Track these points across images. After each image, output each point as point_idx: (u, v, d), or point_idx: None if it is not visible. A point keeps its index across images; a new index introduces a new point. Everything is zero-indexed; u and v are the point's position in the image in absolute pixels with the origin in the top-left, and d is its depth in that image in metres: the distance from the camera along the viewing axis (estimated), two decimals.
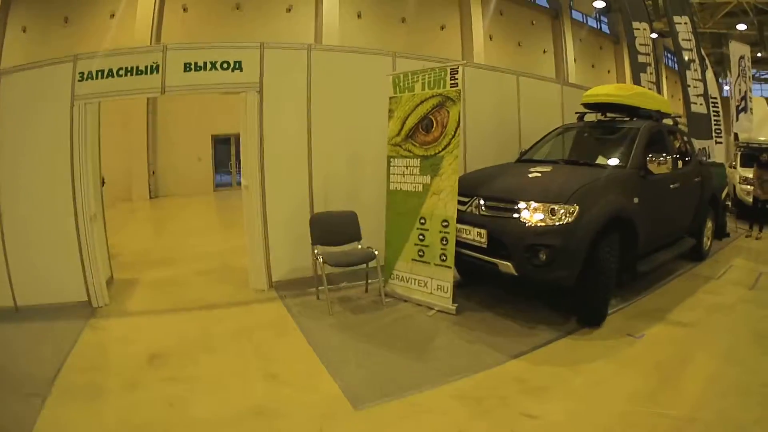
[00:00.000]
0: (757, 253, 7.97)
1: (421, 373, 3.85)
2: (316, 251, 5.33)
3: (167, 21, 16.85)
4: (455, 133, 5.18)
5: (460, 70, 5.22)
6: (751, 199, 9.42)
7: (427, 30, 20.90)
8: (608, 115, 6.69)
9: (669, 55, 31.10)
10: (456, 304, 5.08)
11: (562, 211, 4.43)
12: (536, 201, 4.56)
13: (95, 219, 5.51)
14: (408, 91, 5.62)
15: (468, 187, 5.21)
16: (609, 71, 30.66)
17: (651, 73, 8.79)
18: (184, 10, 17.16)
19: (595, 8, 23.99)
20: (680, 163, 6.44)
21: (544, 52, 25.55)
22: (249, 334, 4.67)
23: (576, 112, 6.89)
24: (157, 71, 5.51)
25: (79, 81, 5.41)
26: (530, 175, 5.32)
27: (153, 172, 16.80)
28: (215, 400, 3.48)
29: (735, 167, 11.17)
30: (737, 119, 10.85)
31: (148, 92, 5.68)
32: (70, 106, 5.38)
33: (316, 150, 5.94)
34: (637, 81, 8.85)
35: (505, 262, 4.68)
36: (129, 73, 5.48)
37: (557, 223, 4.43)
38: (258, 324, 4.92)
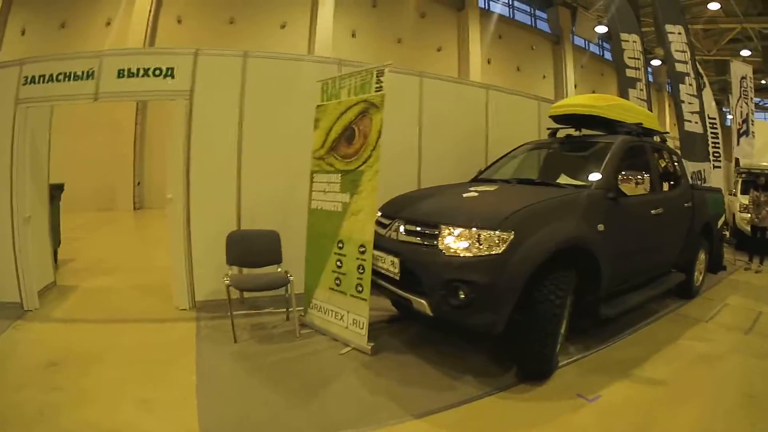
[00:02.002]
0: (757, 289, 6.05)
1: (295, 422, 2.79)
2: (228, 273, 4.05)
3: (161, 31, 15.34)
4: (376, 144, 3.72)
5: (386, 72, 3.77)
6: (749, 228, 7.52)
7: (423, 51, 18.57)
8: (584, 131, 5.06)
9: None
10: (372, 344, 3.63)
11: (491, 239, 2.97)
12: (461, 226, 3.11)
13: (28, 222, 4.65)
14: (335, 98, 4.22)
15: (392, 208, 3.82)
16: None
17: (641, 90, 7.03)
18: (179, 21, 15.53)
19: (597, 34, 21.38)
20: (666, 185, 4.81)
21: (544, 77, 22.58)
22: (148, 352, 3.78)
23: (548, 128, 5.20)
24: (92, 77, 4.62)
25: (23, 85, 4.65)
26: (465, 195, 3.80)
27: (138, 183, 14.74)
28: (82, 416, 2.85)
29: (735, 194, 9.12)
30: (738, 143, 8.75)
31: (83, 98, 4.66)
32: (14, 109, 4.61)
33: (246, 164, 4.68)
34: (624, 97, 6.88)
35: (419, 299, 3.23)
36: (68, 79, 4.65)
37: (484, 254, 2.96)
38: (161, 343, 3.95)
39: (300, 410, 2.93)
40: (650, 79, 22.69)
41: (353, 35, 17.29)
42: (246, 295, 4.69)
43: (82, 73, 4.62)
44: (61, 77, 4.63)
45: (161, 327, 4.33)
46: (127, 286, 5.46)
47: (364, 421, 2.80)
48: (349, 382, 3.28)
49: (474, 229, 3.05)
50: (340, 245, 3.93)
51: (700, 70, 7.57)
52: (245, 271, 4.51)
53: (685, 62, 6.60)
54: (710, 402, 3.08)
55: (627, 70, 7.05)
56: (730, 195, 9.06)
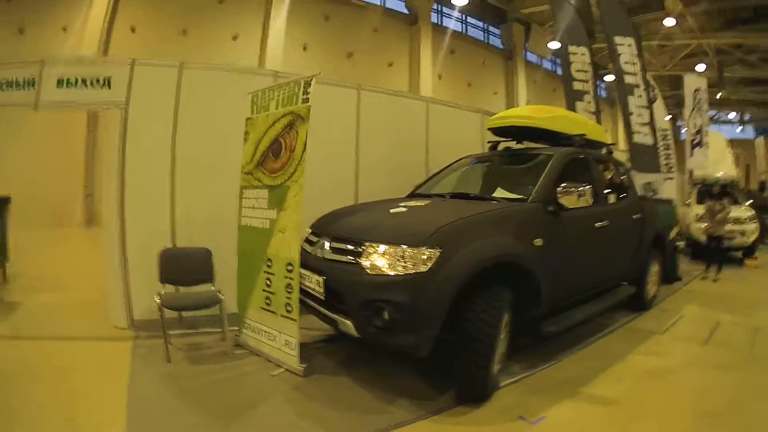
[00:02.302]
0: (714, 299, 5.85)
1: None
2: (161, 292, 3.75)
3: (115, 39, 14.67)
4: (301, 158, 3.47)
5: (312, 83, 3.52)
6: (705, 237, 7.38)
7: (374, 66, 18.10)
8: (527, 143, 4.87)
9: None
10: (305, 365, 3.35)
11: (415, 256, 2.73)
12: (385, 243, 2.86)
13: None
14: (263, 111, 3.95)
15: (320, 224, 3.59)
16: None
17: (589, 102, 6.82)
18: (132, 30, 14.89)
19: (551, 50, 20.51)
20: (612, 197, 4.59)
21: (495, 93, 22.17)
22: (81, 371, 3.52)
23: (488, 141, 4.97)
24: (33, 86, 4.36)
25: None
26: (393, 211, 3.52)
27: (89, 195, 13.47)
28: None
29: (690, 204, 9.00)
30: (692, 154, 8.56)
31: (23, 107, 4.41)
32: None
33: (180, 178, 4.36)
34: (572, 110, 6.62)
35: (344, 320, 2.96)
36: (9, 87, 4.38)
37: (407, 273, 2.71)
38: (95, 362, 3.69)
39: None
40: (603, 93, 22.90)
41: (305, 48, 16.88)
42: (185, 314, 4.28)
43: (23, 81, 4.38)
44: (3, 86, 4.37)
45: (97, 345, 4.05)
46: (70, 303, 5.12)
47: None
48: (277, 405, 3.01)
49: (397, 246, 2.81)
50: (269, 264, 3.64)
51: (652, 82, 7.44)
52: (182, 289, 4.13)
53: (635, 74, 6.44)
54: (665, 421, 2.84)
55: (574, 83, 6.88)
56: (685, 205, 8.94)
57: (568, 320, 3.66)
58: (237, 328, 4.01)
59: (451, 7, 19.32)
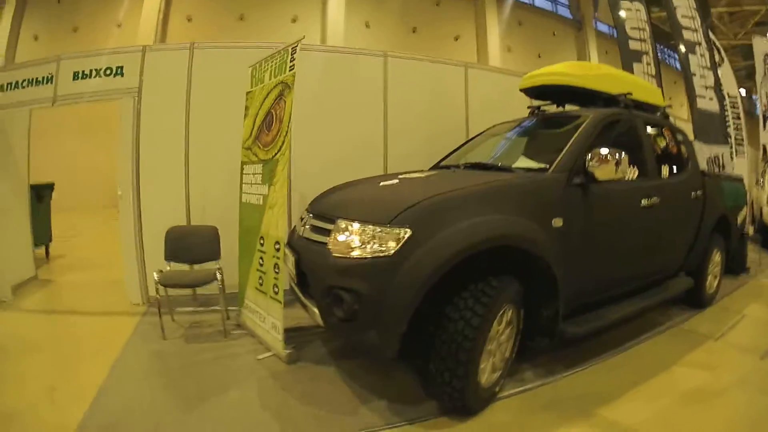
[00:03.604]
0: None
1: (175, 428, 2.27)
2: (165, 269, 3.48)
3: (171, 31, 14.14)
4: (288, 129, 2.92)
5: (298, 49, 2.97)
6: None
7: (439, 40, 16.15)
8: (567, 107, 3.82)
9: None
10: (289, 351, 2.85)
11: (381, 237, 2.06)
12: (352, 220, 2.21)
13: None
14: (260, 83, 3.43)
15: (313, 201, 2.97)
16: None
17: (649, 64, 5.42)
18: (189, 20, 14.30)
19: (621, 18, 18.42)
20: (665, 170, 3.54)
21: None
22: (82, 344, 3.41)
23: (528, 107, 3.95)
24: (51, 81, 4.20)
25: None
26: (383, 184, 2.82)
27: None
28: None
29: (762, 185, 7.02)
30: (765, 127, 6.55)
31: (42, 103, 4.25)
32: None
33: (194, 158, 4.03)
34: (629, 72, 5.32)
35: (312, 307, 2.36)
36: (31, 84, 4.27)
37: (370, 256, 2.05)
38: (97, 336, 3.51)
39: (180, 415, 2.38)
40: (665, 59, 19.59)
41: (367, 26, 15.44)
42: (199, 291, 4.04)
43: (43, 78, 4.24)
44: (25, 83, 4.28)
45: (109, 320, 3.84)
46: (98, 281, 5.01)
47: None
48: (247, 393, 2.57)
49: (364, 224, 2.16)
50: (262, 242, 3.14)
51: (715, 41, 5.85)
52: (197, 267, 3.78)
53: (695, 30, 5.08)
54: None
55: (630, 42, 5.49)
56: (757, 186, 7.15)
57: (597, 321, 2.73)
58: (236, 307, 3.61)
59: None
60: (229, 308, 3.65)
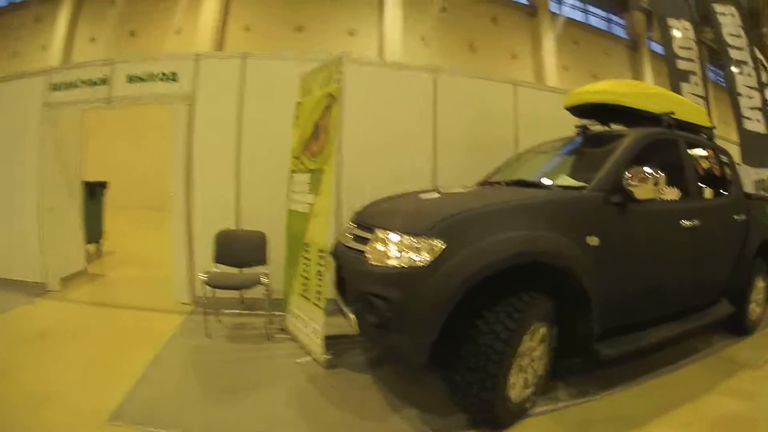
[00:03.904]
0: None
1: (193, 417, 2.45)
2: (210, 271, 3.69)
3: (229, 39, 14.45)
4: (333, 140, 3.11)
5: (343, 62, 3.12)
6: None
7: (496, 58, 16.18)
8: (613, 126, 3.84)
9: None
10: (328, 356, 3.02)
11: (415, 246, 2.20)
12: (390, 230, 2.36)
13: (51, 212, 4.73)
14: (309, 94, 3.64)
15: (357, 211, 3.12)
16: None
17: (696, 84, 5.35)
18: (246, 29, 14.56)
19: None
20: (707, 191, 3.51)
21: None
22: (127, 336, 3.66)
23: (576, 126, 3.91)
24: (106, 83, 4.52)
25: (49, 91, 4.72)
26: (423, 197, 2.92)
27: None
28: (34, 377, 2.89)
29: None
30: None
31: (97, 103, 4.57)
32: (40, 113, 4.71)
33: (245, 163, 4.26)
34: (676, 92, 5.23)
35: (349, 313, 2.53)
36: (86, 85, 4.59)
37: (404, 266, 2.20)
38: (143, 330, 3.74)
39: (209, 407, 2.56)
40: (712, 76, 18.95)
41: (423, 40, 15.49)
42: (246, 295, 4.19)
43: (98, 79, 4.55)
44: (80, 84, 4.57)
45: (155, 316, 4.10)
46: (147, 278, 5.35)
47: (255, 429, 2.35)
48: (280, 392, 2.73)
49: (401, 234, 2.30)
50: (307, 249, 3.35)
51: (763, 61, 5.70)
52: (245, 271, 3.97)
53: (740, 48, 4.97)
54: None
55: (678, 62, 5.42)
56: None
57: (633, 343, 2.76)
58: (283, 312, 3.78)
59: None
60: (275, 313, 3.86)
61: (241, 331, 3.75)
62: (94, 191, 6.13)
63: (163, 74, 4.34)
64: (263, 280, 3.55)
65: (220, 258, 3.81)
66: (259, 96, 4.27)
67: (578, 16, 18.71)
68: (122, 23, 14.94)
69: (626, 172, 2.65)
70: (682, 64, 5.45)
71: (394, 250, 2.28)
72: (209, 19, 14.09)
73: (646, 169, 2.59)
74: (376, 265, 2.32)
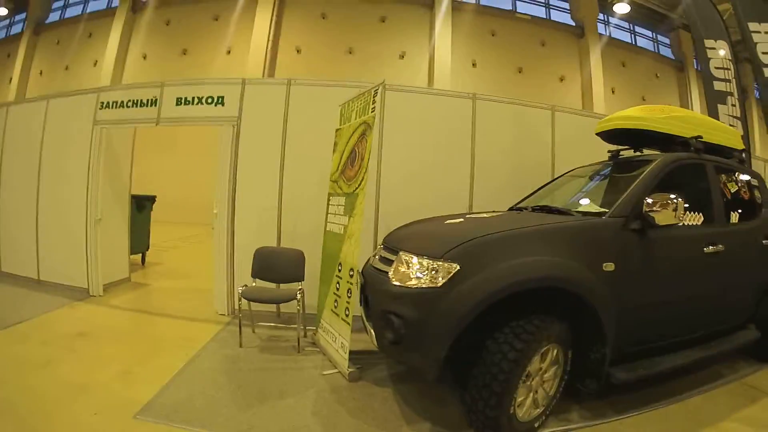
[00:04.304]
0: None
1: (219, 419, 2.69)
2: (251, 284, 4.04)
3: (281, 61, 14.87)
4: (367, 166, 3.39)
5: (380, 91, 3.42)
6: None
7: (545, 81, 16.20)
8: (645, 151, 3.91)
9: None
10: (352, 369, 3.26)
11: (432, 269, 2.42)
12: (411, 252, 2.59)
13: (98, 223, 5.18)
14: (347, 121, 3.97)
15: (387, 234, 3.39)
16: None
17: (733, 105, 5.27)
18: (298, 51, 15.01)
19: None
20: (734, 216, 3.57)
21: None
22: (162, 341, 3.99)
23: (608, 151, 4.04)
24: (155, 104, 4.98)
25: (99, 109, 5.23)
26: (447, 222, 3.14)
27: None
28: (73, 370, 3.25)
29: None
30: None
31: (146, 122, 5.03)
32: (91, 129, 5.22)
33: (287, 184, 4.58)
34: (713, 115, 5.36)
35: (370, 329, 2.79)
36: (135, 105, 5.07)
37: (421, 286, 2.42)
38: (179, 337, 4.05)
39: (235, 411, 2.80)
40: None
41: (474, 65, 15.88)
42: (283, 310, 4.58)
43: (147, 100, 4.99)
44: (129, 104, 5.06)
45: (191, 325, 4.44)
46: (188, 289, 5.73)
47: None
48: (303, 401, 2.97)
49: (421, 256, 2.52)
50: (340, 268, 3.65)
51: None
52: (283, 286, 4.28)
53: None
54: None
55: (715, 83, 5.39)
56: None
57: (649, 368, 2.83)
58: (313, 327, 4.08)
59: (618, 16, 17.20)
60: (308, 328, 4.15)
61: (275, 343, 4.05)
62: (142, 204, 6.68)
63: (211, 98, 4.76)
64: (297, 296, 3.82)
65: (258, 273, 4.15)
66: (302, 120, 4.63)
67: (626, 36, 18.40)
68: (174, 41, 15.72)
69: (646, 199, 2.75)
70: (718, 85, 5.41)
71: (413, 271, 2.52)
72: (261, 40, 14.70)
73: (663, 195, 2.70)
74: (396, 285, 2.56)
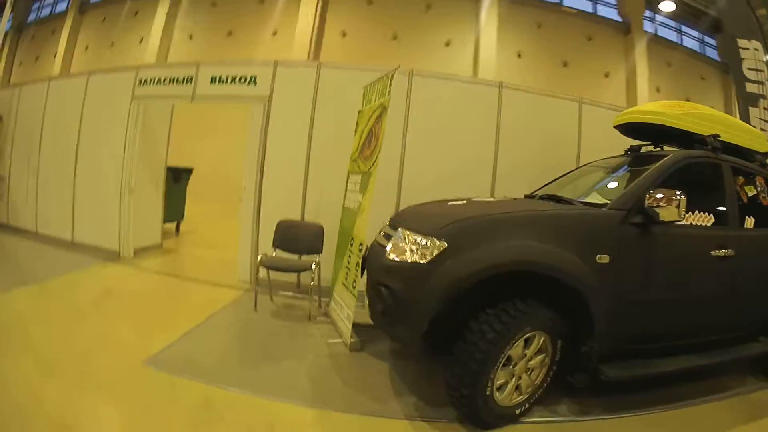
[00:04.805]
0: None
1: (222, 372, 2.93)
2: (271, 253, 4.28)
3: (326, 43, 14.79)
4: (381, 146, 3.50)
5: (395, 75, 3.53)
6: None
7: (589, 76, 15.54)
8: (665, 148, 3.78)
9: None
10: (354, 340, 3.42)
11: (422, 246, 2.49)
12: (407, 229, 2.68)
13: (132, 192, 5.55)
14: (368, 104, 4.08)
15: (395, 213, 3.49)
16: None
17: (765, 108, 4.99)
18: (343, 35, 14.90)
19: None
20: (750, 221, 3.41)
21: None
22: (184, 302, 4.30)
23: (631, 146, 3.86)
24: (190, 82, 5.25)
25: (138, 86, 5.55)
26: (450, 204, 3.17)
27: None
28: (95, 321, 3.58)
29: None
30: None
31: (181, 99, 5.34)
32: (129, 104, 5.54)
33: (314, 162, 4.75)
34: (745, 117, 5.06)
35: (367, 301, 2.94)
36: (171, 82, 5.37)
37: (410, 261, 2.50)
38: (199, 299, 4.32)
39: (234, 367, 3.03)
40: None
41: (519, 56, 15.43)
42: (303, 280, 4.72)
43: (183, 78, 5.26)
44: (166, 81, 5.33)
45: (212, 289, 4.68)
46: (216, 258, 6.02)
47: (265, 390, 2.73)
48: (301, 364, 3.14)
49: (415, 233, 2.60)
50: (351, 242, 3.78)
51: None
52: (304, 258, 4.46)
53: None
54: None
55: (747, 84, 5.09)
56: None
57: (642, 369, 2.76)
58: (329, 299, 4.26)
59: (665, 15, 16.45)
60: (324, 299, 4.33)
61: (289, 310, 4.26)
62: (179, 176, 7.02)
63: (244, 78, 4.96)
64: (312, 266, 4.00)
65: (278, 243, 4.36)
66: (330, 102, 4.76)
67: (672, 36, 17.39)
68: (220, 22, 15.86)
69: (649, 193, 2.68)
70: (751, 87, 5.10)
71: (406, 247, 2.59)
72: (306, 23, 14.71)
73: (670, 190, 2.62)
74: (390, 259, 2.64)
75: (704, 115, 3.54)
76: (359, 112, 4.26)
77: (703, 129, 3.36)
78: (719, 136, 3.31)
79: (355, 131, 4.24)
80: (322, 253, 4.22)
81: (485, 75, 14.18)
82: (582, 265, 2.52)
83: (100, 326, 3.47)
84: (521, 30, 15.58)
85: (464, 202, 3.19)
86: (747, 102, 5.13)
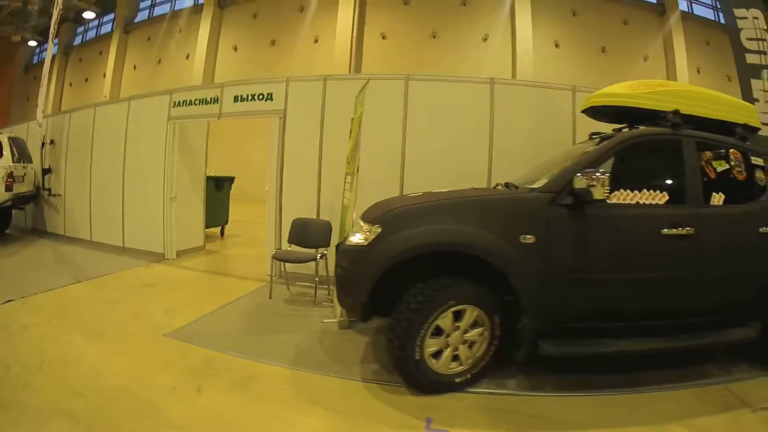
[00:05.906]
0: None
1: (228, 341, 3.53)
2: (286, 248, 4.86)
3: (367, 46, 15.15)
4: (357, 148, 3.90)
5: (367, 84, 3.95)
6: None
7: (628, 61, 14.89)
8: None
9: None
10: (342, 319, 3.88)
11: (366, 231, 2.90)
12: (363, 219, 3.09)
13: (174, 200, 6.29)
14: (358, 111, 4.41)
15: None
16: None
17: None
18: (383, 37, 15.29)
19: None
20: (718, 197, 3.11)
21: None
22: (211, 291, 4.97)
23: (612, 130, 3.71)
24: (216, 102, 5.88)
25: (172, 107, 6.28)
26: (409, 196, 3.53)
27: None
28: (133, 306, 4.32)
29: None
30: None
31: (210, 117, 6.02)
32: (166, 124, 6.30)
33: (325, 166, 5.20)
34: (747, 90, 4.66)
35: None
36: (200, 103, 6.04)
37: (357, 244, 2.92)
38: (226, 289, 4.95)
39: (240, 338, 3.63)
40: None
41: (556, 45, 15.17)
42: (321, 273, 5.10)
43: (210, 98, 5.94)
44: (196, 102, 6.00)
45: (239, 282, 5.36)
46: (253, 256, 6.50)
47: (258, 355, 3.28)
48: (294, 337, 3.65)
49: (363, 222, 3.01)
50: (345, 235, 4.18)
51: None
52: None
53: None
54: None
55: (747, 56, 4.68)
56: None
57: (584, 347, 2.83)
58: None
59: None
60: (332, 287, 4.67)
61: (300, 298, 4.76)
62: (221, 184, 7.73)
63: (261, 95, 5.53)
64: (318, 257, 4.50)
65: (293, 239, 4.86)
66: (336, 111, 5.16)
67: (709, 14, 16.03)
68: (263, 33, 16.56)
69: (577, 175, 2.74)
70: (751, 58, 4.65)
71: (359, 233, 2.97)
72: (346, 28, 15.12)
73: (593, 171, 2.71)
74: (347, 244, 3.06)
75: (675, 92, 3.45)
76: (352, 120, 4.64)
77: (669, 106, 3.25)
78: (678, 111, 3.18)
79: (349, 136, 4.65)
80: (330, 246, 4.64)
81: (523, 66, 14.01)
82: (503, 244, 2.71)
83: (136, 309, 4.21)
84: (557, 19, 15.24)
85: (420, 194, 3.43)
86: (748, 74, 4.70)
